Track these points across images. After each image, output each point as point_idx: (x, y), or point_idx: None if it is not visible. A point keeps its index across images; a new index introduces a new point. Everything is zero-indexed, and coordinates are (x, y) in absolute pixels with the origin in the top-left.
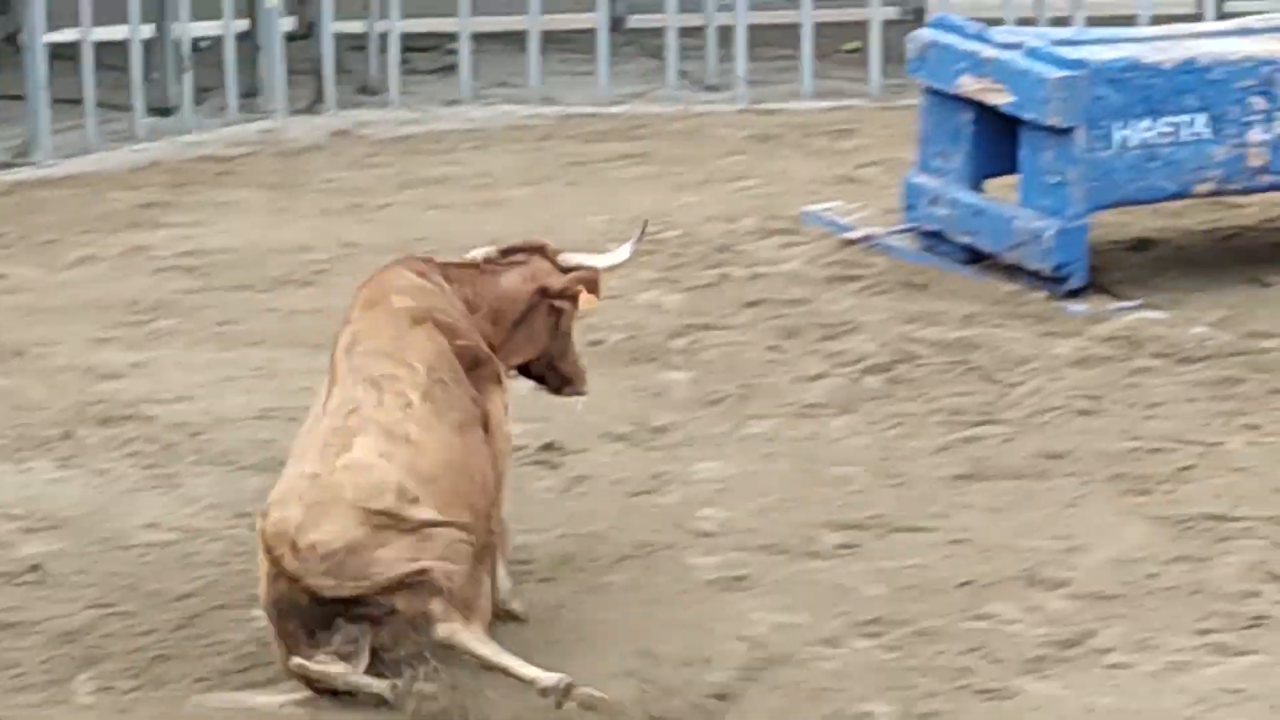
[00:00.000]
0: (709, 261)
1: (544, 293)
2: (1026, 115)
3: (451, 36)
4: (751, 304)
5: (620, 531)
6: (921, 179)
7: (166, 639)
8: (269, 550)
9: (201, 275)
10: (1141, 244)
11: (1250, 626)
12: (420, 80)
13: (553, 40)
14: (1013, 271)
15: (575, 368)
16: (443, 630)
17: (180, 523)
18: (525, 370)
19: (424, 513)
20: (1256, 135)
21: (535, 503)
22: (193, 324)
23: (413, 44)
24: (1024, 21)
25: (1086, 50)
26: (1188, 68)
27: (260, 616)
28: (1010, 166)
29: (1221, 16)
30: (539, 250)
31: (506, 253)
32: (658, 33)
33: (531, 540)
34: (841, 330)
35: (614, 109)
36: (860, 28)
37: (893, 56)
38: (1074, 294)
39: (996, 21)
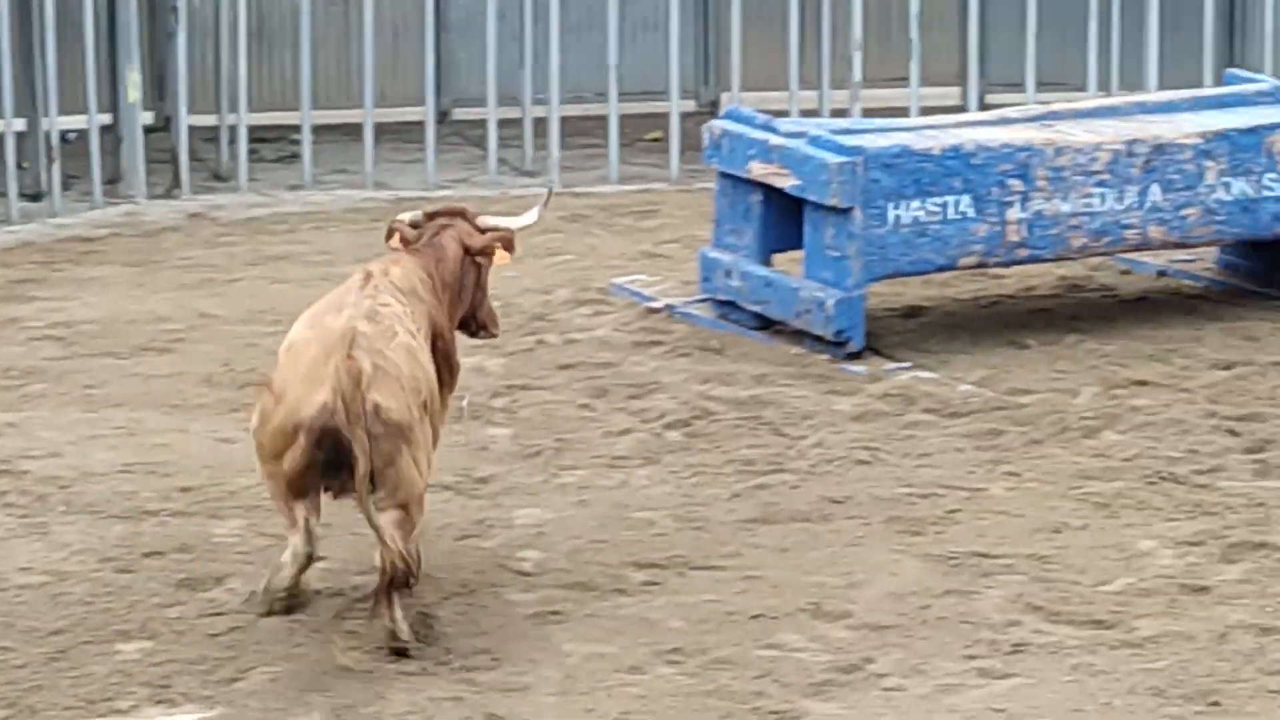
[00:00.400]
0: (527, 329)
1: (467, 251)
2: (810, 196)
3: (294, 128)
4: (565, 366)
5: (448, 572)
6: (717, 254)
7: (39, 671)
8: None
9: (69, 344)
10: (913, 311)
11: (1012, 652)
12: (266, 168)
13: (385, 131)
14: (799, 336)
15: (491, 314)
16: (384, 519)
17: (51, 566)
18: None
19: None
20: (1014, 214)
21: (372, 545)
22: (62, 387)
23: (259, 135)
24: (807, 113)
25: (863, 139)
26: (953, 154)
27: (124, 650)
28: (796, 242)
29: (983, 108)
30: (460, 214)
31: (431, 216)
32: (480, 124)
33: (365, 582)
34: (646, 390)
35: (441, 193)
36: (661, 119)
37: (690, 145)
38: (853, 356)
39: (783, 113)
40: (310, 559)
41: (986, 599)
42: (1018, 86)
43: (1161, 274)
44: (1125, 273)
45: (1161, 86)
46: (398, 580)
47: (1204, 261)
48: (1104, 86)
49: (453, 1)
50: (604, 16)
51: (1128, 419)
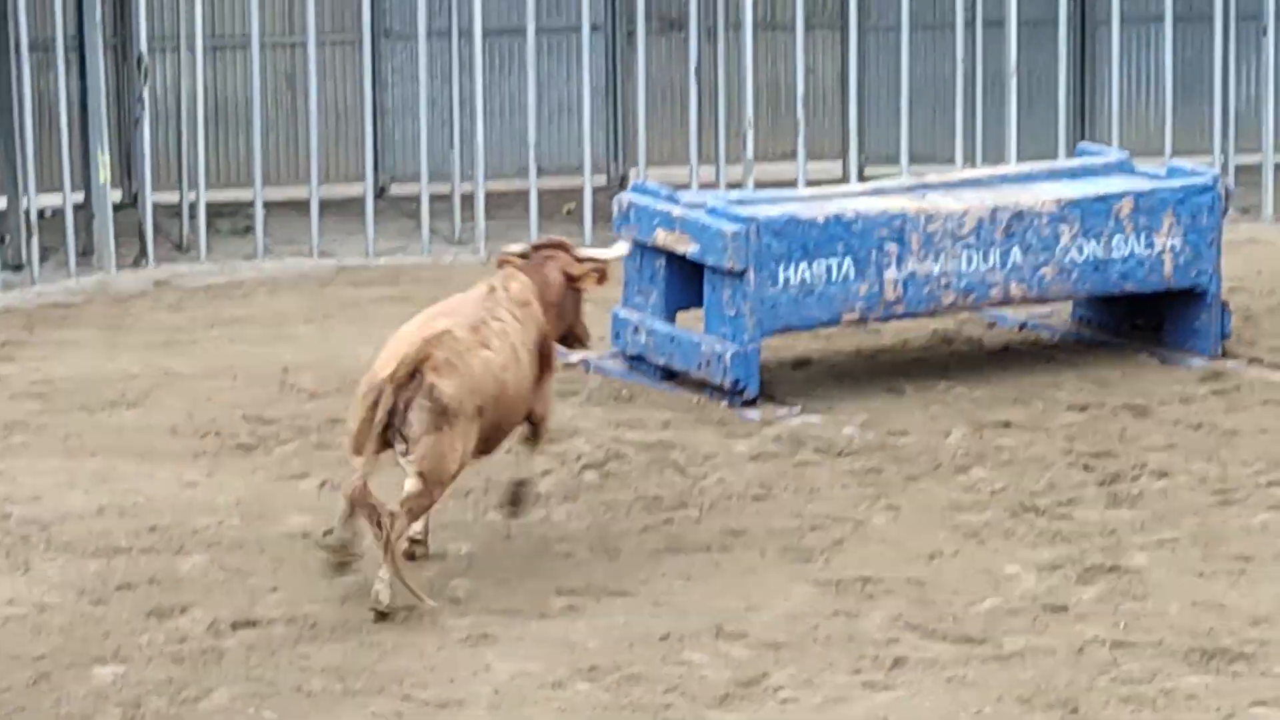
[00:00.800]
0: None
1: (569, 278)
2: (709, 261)
3: (248, 204)
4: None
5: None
6: (626, 313)
7: (22, 694)
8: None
9: (48, 399)
10: (802, 362)
11: (893, 667)
12: (223, 239)
13: (329, 205)
14: (700, 386)
15: (585, 330)
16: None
17: (33, 599)
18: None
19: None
20: (891, 274)
21: (318, 576)
22: (41, 438)
23: (217, 210)
24: (706, 185)
25: (756, 208)
26: (836, 221)
27: (99, 673)
28: (696, 302)
29: (862, 179)
30: (561, 246)
31: (537, 248)
32: (414, 199)
33: (316, 609)
34: (565, 435)
35: (379, 260)
36: (576, 192)
37: (602, 215)
38: (749, 403)
39: (684, 186)
40: (349, 513)
41: (870, 619)
42: (893, 160)
43: (1022, 327)
44: (990, 326)
45: (1020, 159)
46: (387, 541)
47: (1060, 315)
48: (970, 159)
49: (389, 89)
50: (524, 102)
51: (994, 456)
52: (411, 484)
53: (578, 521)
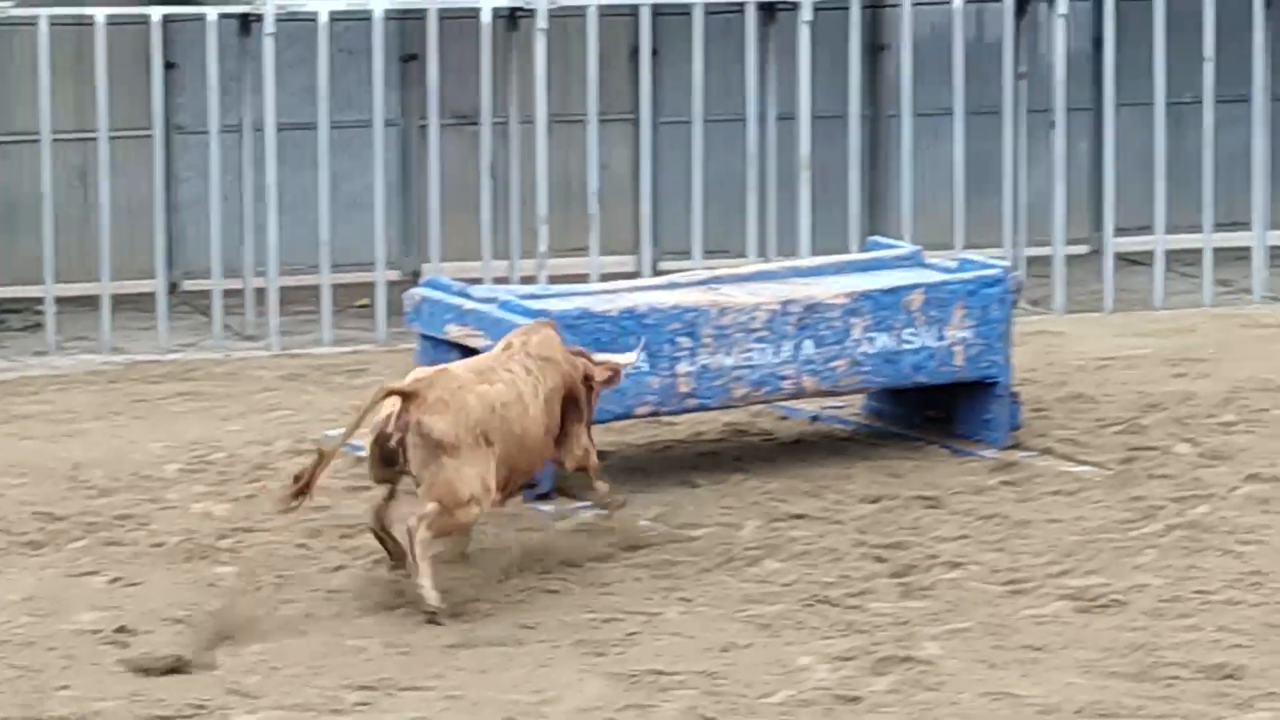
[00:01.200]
0: (250, 477)
1: (587, 379)
2: None
3: (39, 300)
4: (285, 511)
5: (179, 694)
6: None
7: None
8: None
9: None
10: (598, 455)
11: None
12: (13, 336)
13: (121, 301)
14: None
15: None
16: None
17: None
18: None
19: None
20: (684, 367)
21: (109, 676)
22: None
23: (8, 307)
24: (499, 280)
25: (548, 302)
26: (629, 315)
27: None
28: None
29: (656, 274)
30: (580, 353)
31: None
32: (206, 294)
33: (106, 706)
34: (357, 530)
35: (171, 356)
36: (368, 288)
37: (395, 310)
38: (543, 497)
39: (477, 281)
40: (374, 529)
41: (663, 711)
42: (686, 254)
43: (815, 419)
44: (783, 419)
45: (813, 253)
46: (411, 552)
47: (852, 407)
48: (762, 253)
49: (181, 184)
50: (316, 197)
51: (787, 548)
52: (430, 506)
53: (370, 617)
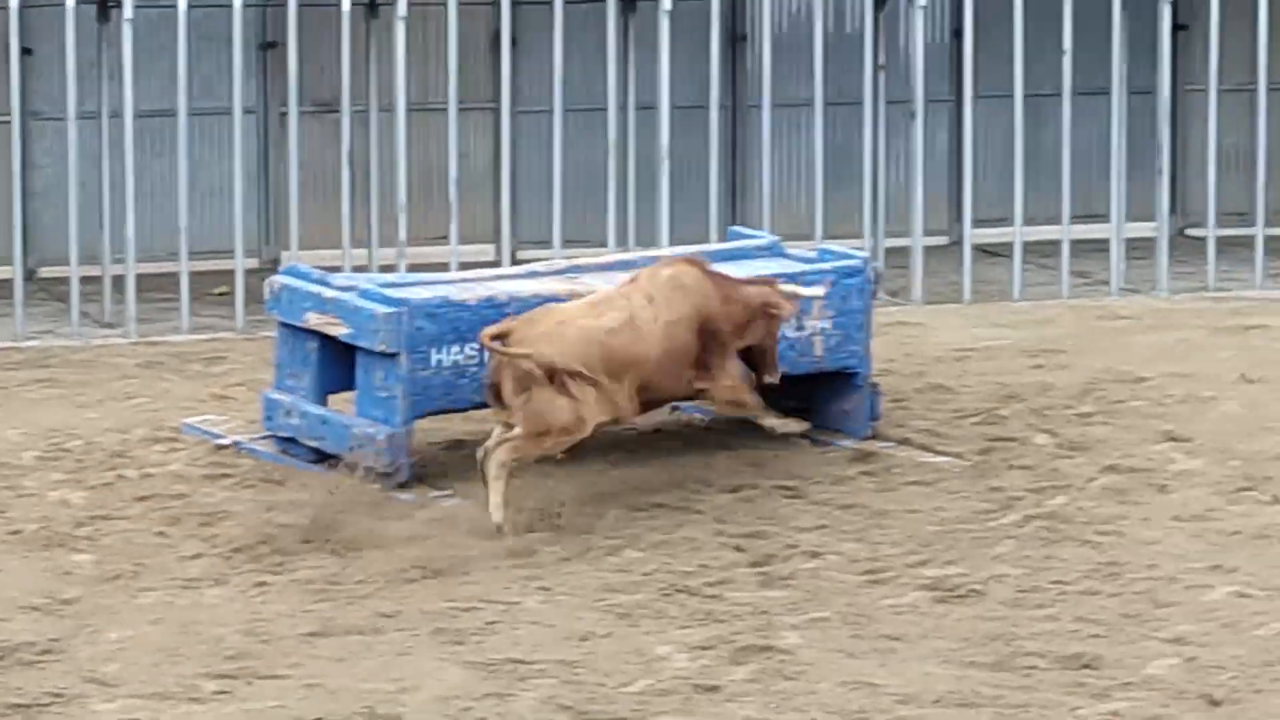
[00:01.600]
0: (107, 465)
1: (767, 306)
2: (361, 343)
3: None
4: (142, 498)
5: (37, 684)
6: (278, 395)
7: None
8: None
9: None
10: (456, 444)
11: None
12: None
13: None
14: (354, 468)
15: (775, 361)
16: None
17: None
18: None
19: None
20: None
21: None
22: None
23: None
24: (359, 269)
25: (408, 291)
26: (489, 303)
27: None
28: (349, 384)
29: (515, 263)
30: (768, 282)
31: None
32: (64, 281)
33: None
34: (216, 518)
35: (28, 344)
36: (227, 275)
37: (254, 298)
38: (403, 485)
39: (336, 269)
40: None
41: (522, 700)
42: (546, 243)
43: (675, 408)
44: None
45: (673, 243)
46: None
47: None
48: (622, 243)
49: (38, 170)
50: (175, 184)
51: (646, 538)
52: (516, 431)
53: (229, 605)
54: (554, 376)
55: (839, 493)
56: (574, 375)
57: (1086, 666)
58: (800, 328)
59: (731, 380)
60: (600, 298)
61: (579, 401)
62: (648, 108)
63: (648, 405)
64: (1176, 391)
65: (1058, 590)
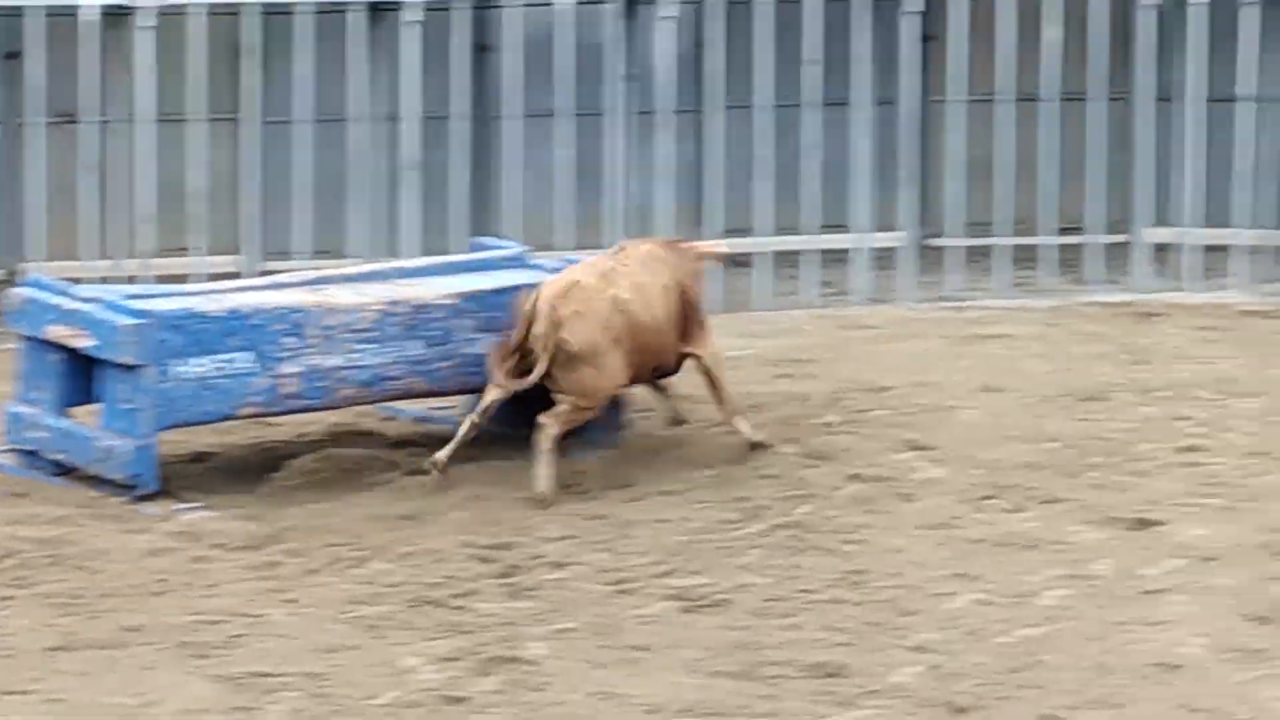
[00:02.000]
0: None
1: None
2: (104, 355)
3: None
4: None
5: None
6: (21, 408)
7: None
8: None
9: None
10: (200, 456)
11: None
12: None
13: None
14: (97, 481)
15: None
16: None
17: None
18: None
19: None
20: (289, 368)
21: None
22: None
23: None
24: (104, 280)
25: (153, 303)
26: (234, 315)
27: None
28: (94, 397)
29: (261, 275)
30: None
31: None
32: None
33: None
34: None
35: None
36: None
37: None
38: (146, 498)
39: (80, 280)
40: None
41: (269, 714)
42: (291, 255)
43: (421, 420)
44: (389, 419)
45: (419, 254)
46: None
47: (460, 408)
48: (368, 254)
49: None
50: None
51: (392, 549)
52: (564, 404)
53: None
54: (595, 352)
55: (586, 504)
56: (611, 344)
57: (832, 675)
58: None
59: (715, 348)
60: (604, 268)
61: (613, 369)
62: (393, 118)
63: (652, 373)
64: (920, 401)
65: (803, 599)
